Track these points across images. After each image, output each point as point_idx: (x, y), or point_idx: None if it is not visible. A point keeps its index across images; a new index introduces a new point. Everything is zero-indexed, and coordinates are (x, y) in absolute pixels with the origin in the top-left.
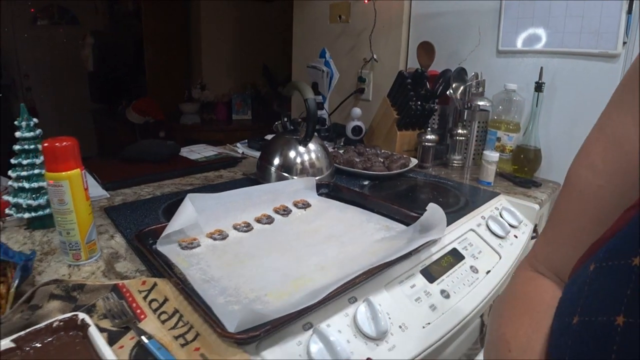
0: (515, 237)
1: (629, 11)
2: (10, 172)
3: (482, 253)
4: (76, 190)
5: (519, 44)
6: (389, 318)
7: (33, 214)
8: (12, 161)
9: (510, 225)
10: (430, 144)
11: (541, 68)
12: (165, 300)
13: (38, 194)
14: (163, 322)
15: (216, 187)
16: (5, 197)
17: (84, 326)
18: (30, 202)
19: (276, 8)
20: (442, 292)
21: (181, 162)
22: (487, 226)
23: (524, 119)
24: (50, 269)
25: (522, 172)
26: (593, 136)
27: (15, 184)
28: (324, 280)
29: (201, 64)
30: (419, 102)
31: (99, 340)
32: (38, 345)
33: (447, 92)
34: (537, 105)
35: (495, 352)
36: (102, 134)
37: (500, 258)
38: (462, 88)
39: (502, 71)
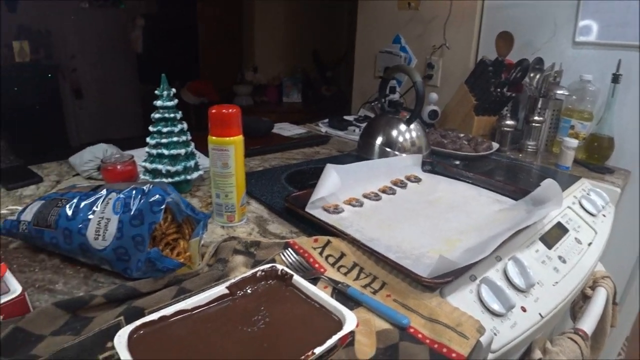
0: (604, 215)
1: None
2: (148, 139)
3: (581, 228)
4: (239, 155)
5: (596, 37)
6: None
7: (170, 180)
8: (151, 128)
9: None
10: (508, 129)
11: (619, 60)
12: (342, 255)
13: (176, 161)
14: (344, 274)
15: (319, 163)
16: (142, 163)
17: (286, 275)
18: (169, 168)
19: None
20: (560, 257)
21: (276, 138)
22: (581, 204)
23: (596, 109)
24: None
25: (593, 159)
26: None
27: (154, 151)
28: (472, 241)
29: (253, 47)
30: (499, 89)
31: (310, 286)
32: (249, 291)
33: (523, 81)
34: (612, 96)
35: None
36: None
37: (596, 233)
38: (538, 77)
39: (577, 62)
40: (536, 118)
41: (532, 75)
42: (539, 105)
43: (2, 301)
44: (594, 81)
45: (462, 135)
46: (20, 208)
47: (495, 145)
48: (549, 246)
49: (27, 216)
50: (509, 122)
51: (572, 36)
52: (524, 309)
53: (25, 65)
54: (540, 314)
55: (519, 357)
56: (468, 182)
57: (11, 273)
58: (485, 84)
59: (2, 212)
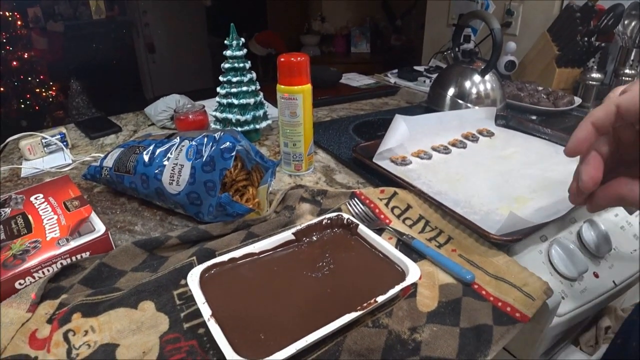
0: None
1: None
2: (218, 89)
3: None
4: (307, 104)
5: None
6: None
7: (239, 129)
8: (221, 78)
9: None
10: (594, 82)
11: None
12: (408, 207)
13: (245, 110)
14: (410, 226)
15: (388, 114)
16: (212, 113)
17: (352, 224)
18: (238, 117)
19: None
20: None
21: (344, 88)
22: None
23: None
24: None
25: None
26: None
27: (224, 100)
28: (545, 200)
29: None
30: (586, 38)
31: (375, 236)
32: (314, 238)
33: (615, 29)
34: None
35: None
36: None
37: None
38: (634, 24)
39: None
40: (628, 71)
41: (626, 22)
42: (632, 57)
43: (89, 239)
44: None
45: (540, 88)
46: (102, 155)
47: (578, 100)
48: (631, 211)
49: (109, 162)
50: (595, 75)
51: None
52: (596, 275)
53: (102, 23)
54: (614, 282)
55: (587, 323)
56: (544, 139)
57: (96, 214)
58: (571, 32)
59: (87, 159)
